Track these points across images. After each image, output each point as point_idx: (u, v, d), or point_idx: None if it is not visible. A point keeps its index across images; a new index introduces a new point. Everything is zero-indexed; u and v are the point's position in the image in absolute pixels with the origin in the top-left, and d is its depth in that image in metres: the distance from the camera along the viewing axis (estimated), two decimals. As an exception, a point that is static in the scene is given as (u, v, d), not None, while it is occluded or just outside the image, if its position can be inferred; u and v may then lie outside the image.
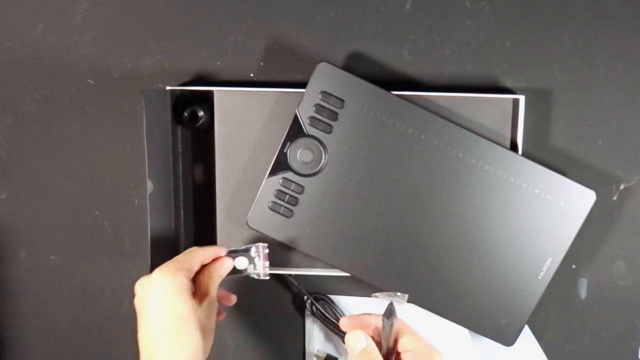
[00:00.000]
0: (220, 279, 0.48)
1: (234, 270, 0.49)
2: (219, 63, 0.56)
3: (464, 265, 0.50)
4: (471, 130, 0.49)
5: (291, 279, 0.56)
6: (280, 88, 0.52)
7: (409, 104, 0.49)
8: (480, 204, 0.50)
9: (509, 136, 0.52)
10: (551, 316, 0.56)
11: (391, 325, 0.41)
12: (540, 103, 0.54)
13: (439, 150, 0.49)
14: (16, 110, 0.57)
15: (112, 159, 0.57)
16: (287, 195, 0.50)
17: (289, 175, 0.50)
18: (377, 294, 0.55)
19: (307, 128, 0.50)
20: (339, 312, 0.56)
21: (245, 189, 0.53)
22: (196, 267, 0.46)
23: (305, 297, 0.56)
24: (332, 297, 0.57)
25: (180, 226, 0.56)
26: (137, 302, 0.46)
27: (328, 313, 0.56)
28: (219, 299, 0.49)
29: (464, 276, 0.50)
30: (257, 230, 0.51)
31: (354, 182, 0.50)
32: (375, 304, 0.56)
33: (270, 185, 0.50)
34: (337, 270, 0.52)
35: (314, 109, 0.49)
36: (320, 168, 0.50)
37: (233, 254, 0.49)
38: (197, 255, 0.47)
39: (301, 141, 0.50)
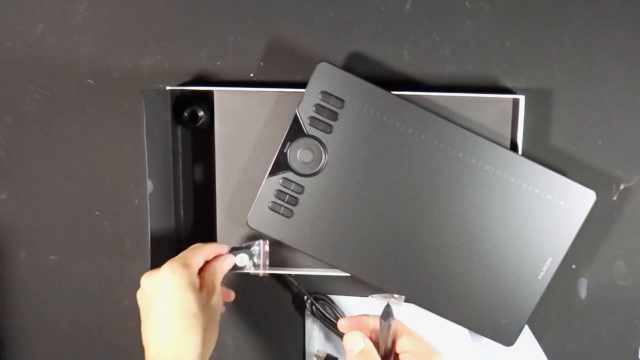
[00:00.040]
0: (224, 275, 0.49)
1: (235, 267, 0.50)
2: (219, 63, 0.56)
3: (464, 265, 0.50)
4: (471, 130, 0.49)
5: (291, 279, 0.56)
6: (280, 88, 0.52)
7: (409, 104, 0.49)
8: (480, 204, 0.50)
9: (509, 136, 0.52)
10: (551, 316, 0.56)
11: (389, 327, 0.41)
12: (540, 103, 0.54)
13: (439, 150, 0.49)
14: (16, 110, 0.57)
15: (112, 159, 0.57)
16: (287, 195, 0.50)
17: (289, 175, 0.50)
18: (374, 295, 0.56)
19: (307, 128, 0.50)
20: (339, 312, 0.56)
21: (245, 189, 0.53)
22: (201, 263, 0.47)
23: (305, 297, 0.56)
24: (332, 297, 0.57)
25: (180, 226, 0.56)
26: (142, 296, 0.46)
27: (328, 313, 0.56)
28: None
29: (464, 276, 0.50)
30: (257, 230, 0.51)
31: (354, 182, 0.50)
32: (375, 305, 0.56)
33: (270, 185, 0.50)
34: (337, 270, 0.52)
35: (314, 109, 0.49)
36: (320, 168, 0.50)
37: (235, 250, 0.51)
38: (202, 252, 0.48)
39: (301, 141, 0.50)
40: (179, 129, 0.56)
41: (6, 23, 0.57)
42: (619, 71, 0.54)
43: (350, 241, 0.51)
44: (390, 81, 0.54)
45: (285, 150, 0.50)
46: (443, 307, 0.51)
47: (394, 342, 0.42)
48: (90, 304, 0.59)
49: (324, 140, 0.50)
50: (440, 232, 0.50)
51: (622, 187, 0.55)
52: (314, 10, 0.54)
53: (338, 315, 0.56)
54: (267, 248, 0.51)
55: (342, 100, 0.49)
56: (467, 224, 0.50)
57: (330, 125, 0.50)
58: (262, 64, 0.55)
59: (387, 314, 0.41)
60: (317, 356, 0.57)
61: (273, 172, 0.50)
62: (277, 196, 0.50)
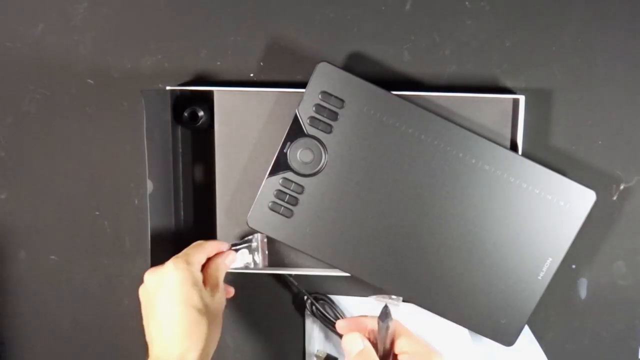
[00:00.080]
0: (226, 271, 0.50)
1: (236, 263, 0.52)
2: (219, 63, 0.56)
3: (464, 265, 0.50)
4: (471, 130, 0.49)
5: (291, 279, 0.56)
6: (280, 88, 0.52)
7: (409, 104, 0.49)
8: (480, 204, 0.50)
9: (509, 136, 0.52)
10: (551, 316, 0.56)
11: (387, 328, 0.41)
12: (540, 103, 0.54)
13: (439, 150, 0.49)
14: (16, 110, 0.57)
15: (112, 159, 0.57)
16: (287, 195, 0.50)
17: (289, 175, 0.50)
18: (372, 297, 0.56)
19: (307, 128, 0.50)
20: (339, 312, 0.56)
21: (245, 189, 0.53)
22: (203, 260, 0.48)
23: (305, 297, 0.56)
24: (332, 297, 0.57)
25: (180, 226, 0.56)
26: (145, 292, 0.46)
27: (328, 313, 0.56)
28: None
29: (464, 276, 0.50)
30: (257, 230, 0.51)
31: (354, 182, 0.50)
32: (375, 305, 0.56)
33: (270, 185, 0.50)
34: (337, 270, 0.52)
35: (314, 109, 0.49)
36: (320, 168, 0.50)
37: (235, 247, 0.52)
38: (204, 249, 0.49)
39: (301, 141, 0.50)
40: (179, 129, 0.56)
41: (6, 23, 0.57)
42: (619, 71, 0.54)
43: (350, 241, 0.51)
44: (390, 81, 0.54)
45: (285, 150, 0.50)
46: (443, 307, 0.51)
47: (392, 343, 0.42)
48: (90, 304, 0.59)
49: (324, 140, 0.50)
50: (440, 232, 0.50)
51: (622, 187, 0.55)
52: (314, 10, 0.54)
53: (338, 315, 0.56)
54: (265, 240, 0.53)
55: (342, 100, 0.49)
56: (467, 224, 0.50)
57: (330, 125, 0.50)
58: (262, 64, 0.55)
59: (385, 315, 0.41)
60: (317, 356, 0.57)
61: (273, 172, 0.50)
62: (277, 196, 0.50)
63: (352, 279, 0.53)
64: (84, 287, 0.59)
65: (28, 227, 0.59)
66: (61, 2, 0.56)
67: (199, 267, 0.47)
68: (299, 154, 0.50)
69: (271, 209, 0.51)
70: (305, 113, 0.50)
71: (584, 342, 0.57)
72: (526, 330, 0.53)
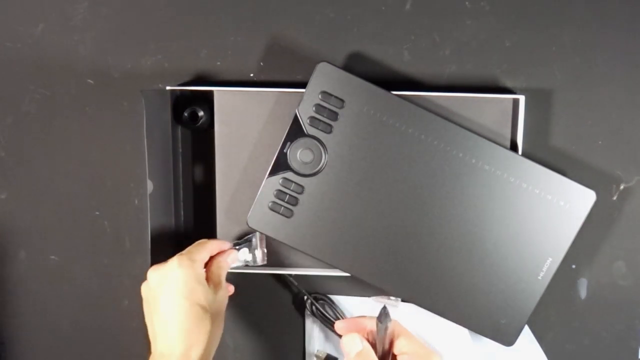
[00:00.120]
0: (228, 269, 0.50)
1: (237, 261, 0.52)
2: (219, 63, 0.56)
3: (464, 265, 0.50)
4: (471, 130, 0.49)
5: (291, 279, 0.56)
6: (280, 88, 0.52)
7: (409, 104, 0.49)
8: (480, 204, 0.50)
9: (509, 136, 0.52)
10: (551, 316, 0.56)
11: (385, 328, 0.41)
12: (540, 103, 0.54)
13: (439, 150, 0.49)
14: (16, 110, 0.57)
15: (112, 159, 0.57)
16: (287, 195, 0.50)
17: (289, 175, 0.50)
18: (371, 298, 0.56)
19: (307, 128, 0.50)
20: (339, 312, 0.56)
21: (245, 189, 0.53)
22: (206, 259, 0.49)
23: (305, 297, 0.56)
24: (332, 297, 0.57)
25: (180, 226, 0.56)
26: (148, 289, 0.47)
27: (328, 313, 0.56)
28: None
29: (464, 276, 0.50)
30: (257, 231, 0.51)
31: (354, 182, 0.50)
32: (375, 305, 0.56)
33: (270, 185, 0.50)
34: (337, 270, 0.52)
35: (314, 109, 0.49)
36: (320, 168, 0.50)
37: (236, 246, 0.52)
38: (207, 247, 0.49)
39: (301, 141, 0.50)
40: (179, 129, 0.56)
41: (6, 23, 0.57)
42: (619, 71, 0.54)
43: (350, 241, 0.51)
44: (390, 81, 0.54)
45: (285, 150, 0.50)
46: (443, 307, 0.51)
47: (391, 344, 0.42)
48: (90, 304, 0.59)
49: (324, 140, 0.50)
50: (440, 232, 0.50)
51: (622, 187, 0.55)
52: (314, 10, 0.54)
53: (338, 315, 0.56)
54: (263, 237, 0.53)
55: (342, 100, 0.49)
56: (467, 224, 0.50)
57: (330, 125, 0.50)
58: (262, 64, 0.55)
59: (383, 315, 0.41)
60: (317, 356, 0.57)
61: (273, 172, 0.50)
62: (277, 196, 0.50)
63: (352, 279, 0.53)
64: (84, 287, 0.59)
65: (28, 227, 0.59)
66: (61, 2, 0.56)
67: (202, 265, 0.48)
68: (299, 154, 0.50)
69: (271, 209, 0.51)
70: (305, 113, 0.50)
71: (584, 342, 0.57)
72: (526, 330, 0.53)
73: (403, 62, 0.54)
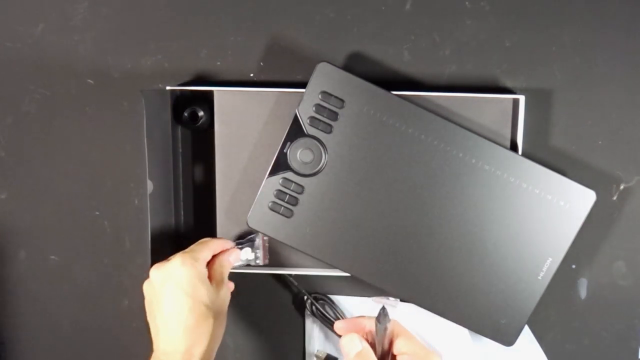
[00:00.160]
0: (230, 267, 0.51)
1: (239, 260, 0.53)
2: (219, 63, 0.56)
3: (464, 265, 0.50)
4: (471, 130, 0.49)
5: (291, 279, 0.56)
6: (280, 88, 0.52)
7: (409, 104, 0.49)
8: (480, 204, 0.50)
9: (509, 136, 0.52)
10: (551, 316, 0.56)
11: (384, 329, 0.41)
12: (540, 103, 0.54)
13: (439, 150, 0.49)
14: (16, 110, 0.57)
15: (112, 159, 0.57)
16: (287, 195, 0.50)
17: (289, 175, 0.50)
18: (371, 298, 0.56)
19: (307, 128, 0.50)
20: (339, 312, 0.56)
21: (245, 189, 0.53)
22: (209, 258, 0.49)
23: (305, 297, 0.56)
24: (332, 297, 0.57)
25: (180, 226, 0.56)
26: (150, 288, 0.47)
27: (328, 313, 0.56)
28: None
29: (464, 276, 0.50)
30: (257, 230, 0.51)
31: (354, 182, 0.50)
32: (374, 306, 0.56)
33: (270, 185, 0.50)
34: (337, 270, 0.52)
35: (314, 109, 0.49)
36: (320, 168, 0.50)
37: (238, 245, 0.53)
38: (209, 246, 0.49)
39: (301, 141, 0.50)
40: (179, 129, 0.56)
41: (6, 23, 0.57)
42: (619, 71, 0.54)
43: (350, 241, 0.51)
44: (390, 81, 0.54)
45: (285, 150, 0.50)
46: (443, 307, 0.51)
47: (391, 344, 0.42)
48: (90, 304, 0.59)
49: (324, 140, 0.50)
50: (440, 232, 0.50)
51: (622, 187, 0.55)
52: (314, 10, 0.54)
53: (338, 315, 0.56)
54: (266, 238, 0.53)
55: (342, 100, 0.49)
56: (467, 224, 0.50)
57: (330, 125, 0.50)
58: (262, 64, 0.55)
59: (382, 316, 0.41)
60: (317, 356, 0.57)
61: (273, 172, 0.50)
62: (277, 196, 0.50)
63: (352, 279, 0.53)
64: (84, 287, 0.59)
65: (28, 227, 0.59)
66: (61, 2, 0.56)
67: (205, 264, 0.48)
68: (299, 154, 0.50)
69: (271, 209, 0.51)
70: (305, 113, 0.50)
71: (584, 342, 0.57)
72: (526, 330, 0.53)
73: (403, 62, 0.54)
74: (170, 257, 0.49)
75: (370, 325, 0.43)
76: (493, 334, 0.51)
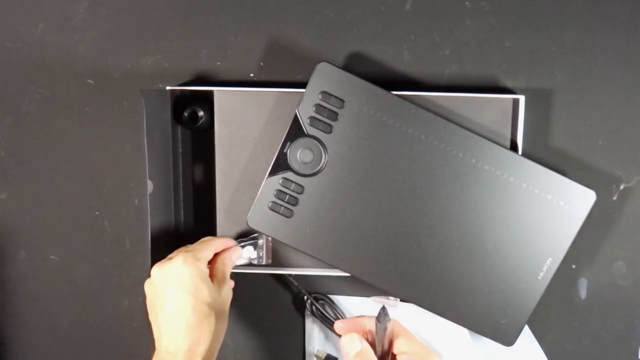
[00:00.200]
0: (232, 266, 0.51)
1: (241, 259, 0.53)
2: (219, 63, 0.56)
3: (464, 265, 0.50)
4: (471, 130, 0.49)
5: (291, 279, 0.56)
6: (280, 88, 0.52)
7: (409, 104, 0.49)
8: (480, 204, 0.50)
9: (509, 136, 0.52)
10: (551, 316, 0.56)
11: (384, 329, 0.41)
12: (540, 103, 0.54)
13: (439, 150, 0.49)
14: (16, 110, 0.57)
15: (112, 159, 0.57)
16: (287, 195, 0.50)
17: (289, 175, 0.50)
18: (371, 298, 0.56)
19: (307, 128, 0.50)
20: (339, 312, 0.56)
21: (245, 189, 0.53)
22: (210, 256, 0.49)
23: (305, 297, 0.56)
24: (332, 297, 0.57)
25: (180, 226, 0.56)
26: (152, 287, 0.47)
27: (328, 313, 0.56)
28: None
29: (464, 276, 0.50)
30: (257, 230, 0.51)
31: (354, 182, 0.50)
32: (374, 306, 0.56)
33: (270, 185, 0.50)
34: (337, 270, 0.52)
35: (314, 109, 0.49)
36: (320, 168, 0.50)
37: (241, 243, 0.53)
38: (211, 245, 0.50)
39: (301, 141, 0.50)
40: (179, 129, 0.56)
41: (6, 23, 0.57)
42: (619, 71, 0.54)
43: (350, 241, 0.51)
44: (390, 81, 0.54)
45: (285, 150, 0.50)
46: (443, 307, 0.51)
47: (391, 343, 0.42)
48: (90, 304, 0.59)
49: (324, 140, 0.50)
50: (440, 232, 0.50)
51: (622, 187, 0.55)
52: (314, 10, 0.54)
53: (338, 315, 0.56)
54: (269, 238, 0.53)
55: (342, 100, 0.49)
56: (467, 224, 0.50)
57: (330, 125, 0.50)
58: (262, 64, 0.55)
59: (382, 316, 0.41)
60: (317, 356, 0.57)
61: (273, 172, 0.50)
62: (277, 196, 0.50)
63: (352, 279, 0.53)
64: (84, 287, 0.59)
65: (28, 227, 0.59)
66: (61, 2, 0.56)
67: (206, 263, 0.48)
68: (299, 154, 0.50)
69: (271, 209, 0.51)
70: (305, 113, 0.50)
71: (584, 342, 0.57)
72: (526, 330, 0.53)
73: (403, 62, 0.54)
74: (171, 255, 0.49)
75: (370, 325, 0.43)
76: (493, 334, 0.51)
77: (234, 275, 0.52)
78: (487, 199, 0.50)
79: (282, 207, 0.50)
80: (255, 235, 0.53)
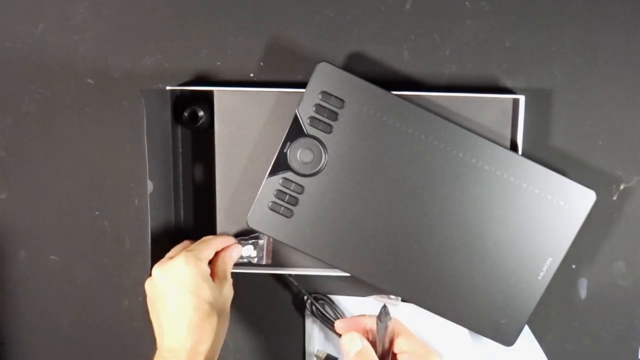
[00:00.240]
0: (233, 263, 0.51)
1: (240, 257, 0.53)
2: (219, 63, 0.56)
3: (464, 265, 0.50)
4: (471, 130, 0.49)
5: (291, 279, 0.56)
6: (280, 88, 0.52)
7: (409, 104, 0.49)
8: (480, 204, 0.50)
9: (509, 136, 0.52)
10: (551, 316, 0.56)
11: (385, 328, 0.41)
12: (540, 103, 0.54)
13: (439, 150, 0.49)
14: (16, 110, 0.57)
15: (112, 159, 0.57)
16: (287, 195, 0.50)
17: (289, 175, 0.50)
18: (371, 297, 0.56)
19: (307, 128, 0.50)
20: (339, 312, 0.56)
21: (245, 189, 0.53)
22: (211, 255, 0.50)
23: (305, 297, 0.56)
24: (332, 297, 0.57)
25: (180, 226, 0.56)
26: (153, 286, 0.47)
27: (328, 313, 0.56)
28: None
29: (463, 276, 0.50)
30: (257, 230, 0.51)
31: (354, 182, 0.50)
32: (375, 305, 0.56)
33: (270, 185, 0.50)
34: (337, 270, 0.52)
35: (314, 109, 0.49)
36: (320, 168, 0.50)
37: (242, 242, 0.53)
38: (212, 244, 0.50)
39: (301, 141, 0.50)
40: (179, 129, 0.56)
41: (6, 23, 0.57)
42: (619, 71, 0.54)
43: (350, 241, 0.51)
44: (390, 81, 0.54)
45: (285, 150, 0.50)
46: (443, 307, 0.51)
47: (391, 342, 0.42)
48: (90, 304, 0.59)
49: (324, 140, 0.50)
50: (440, 232, 0.50)
51: (622, 187, 0.55)
52: (314, 10, 0.54)
53: (338, 315, 0.56)
54: (271, 239, 0.54)
55: (342, 100, 0.49)
56: (467, 224, 0.50)
57: (330, 125, 0.50)
58: (262, 64, 0.55)
59: (383, 314, 0.41)
60: (317, 356, 0.57)
61: (273, 172, 0.50)
62: (277, 196, 0.50)
63: (352, 279, 0.53)
64: (84, 287, 0.59)
65: (28, 227, 0.59)
66: (61, 2, 0.56)
67: (207, 262, 0.49)
68: (299, 154, 0.50)
69: (271, 209, 0.51)
70: (305, 113, 0.50)
71: (584, 342, 0.57)
72: (526, 330, 0.53)
73: (403, 62, 0.54)
74: (170, 254, 0.49)
75: (371, 324, 0.43)
76: (493, 334, 0.51)
77: (235, 276, 0.52)
78: (487, 199, 0.50)
79: (282, 207, 0.50)
80: (256, 234, 0.53)
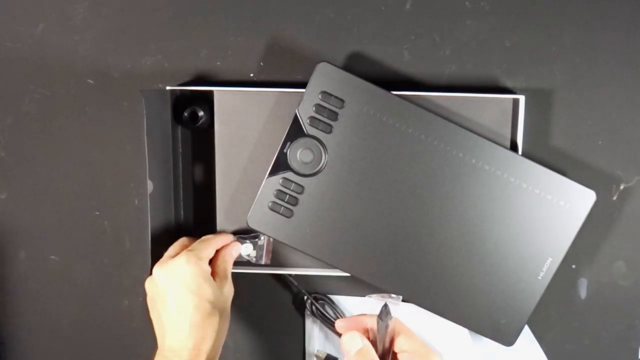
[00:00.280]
0: (233, 261, 0.51)
1: (239, 256, 0.53)
2: (219, 63, 0.56)
3: (463, 265, 0.50)
4: (471, 130, 0.49)
5: (291, 279, 0.56)
6: (280, 88, 0.52)
7: (409, 104, 0.49)
8: (480, 204, 0.50)
9: (509, 136, 0.52)
10: (551, 316, 0.56)
11: (386, 326, 0.41)
12: (540, 103, 0.54)
13: (439, 150, 0.49)
14: (16, 110, 0.57)
15: (112, 159, 0.57)
16: (287, 195, 0.50)
17: (289, 175, 0.50)
18: (372, 295, 0.56)
19: (307, 128, 0.50)
20: (339, 312, 0.56)
21: (245, 189, 0.53)
22: (212, 255, 0.50)
23: (305, 297, 0.56)
24: (332, 297, 0.57)
25: (180, 226, 0.56)
26: (153, 286, 0.47)
27: (328, 313, 0.56)
28: None
29: (463, 276, 0.50)
30: (257, 230, 0.51)
31: (354, 182, 0.50)
32: (374, 304, 0.56)
33: (270, 185, 0.50)
34: (337, 270, 0.52)
35: (314, 109, 0.49)
36: (320, 168, 0.50)
37: (241, 240, 0.53)
38: (212, 243, 0.50)
39: (301, 141, 0.50)
40: (179, 129, 0.56)
41: (6, 23, 0.57)
42: (619, 71, 0.54)
43: (350, 241, 0.51)
44: (390, 81, 0.54)
45: (285, 150, 0.50)
46: (443, 307, 0.51)
47: (392, 342, 0.42)
48: (90, 304, 0.59)
49: (324, 140, 0.50)
50: (440, 232, 0.50)
51: (622, 187, 0.55)
52: (314, 10, 0.54)
53: (338, 315, 0.56)
54: (271, 239, 0.54)
55: (342, 100, 0.49)
56: (467, 224, 0.50)
57: (330, 125, 0.50)
58: (262, 64, 0.55)
59: (384, 313, 0.41)
60: (317, 356, 0.57)
61: (273, 172, 0.50)
62: (277, 196, 0.50)
63: (352, 279, 0.53)
64: (84, 287, 0.59)
65: (28, 227, 0.59)
66: (61, 2, 0.56)
67: (208, 262, 0.49)
68: (299, 154, 0.50)
69: (271, 209, 0.51)
70: (305, 113, 0.50)
71: (584, 342, 0.57)
72: (526, 330, 0.53)
73: (403, 62, 0.54)
74: (170, 253, 0.49)
75: (371, 324, 0.43)
76: (493, 334, 0.51)
77: (235, 277, 0.52)
78: (487, 199, 0.50)
79: (282, 207, 0.50)
80: (256, 233, 0.53)
